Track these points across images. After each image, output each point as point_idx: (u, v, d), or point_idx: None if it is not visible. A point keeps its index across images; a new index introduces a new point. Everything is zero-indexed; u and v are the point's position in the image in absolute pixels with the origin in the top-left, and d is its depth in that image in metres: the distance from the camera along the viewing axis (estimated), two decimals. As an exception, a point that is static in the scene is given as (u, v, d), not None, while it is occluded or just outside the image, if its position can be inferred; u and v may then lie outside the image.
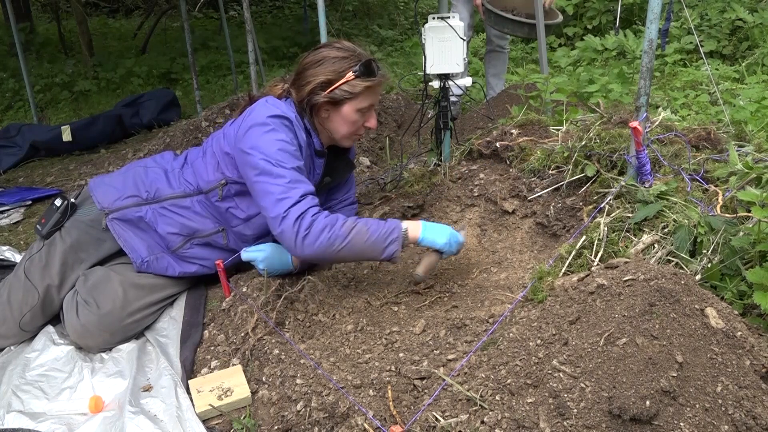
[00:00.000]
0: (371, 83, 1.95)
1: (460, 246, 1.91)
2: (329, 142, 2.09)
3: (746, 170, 1.81)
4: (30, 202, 3.34)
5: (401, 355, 1.61)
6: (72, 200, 2.05)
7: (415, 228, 1.85)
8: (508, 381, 1.36)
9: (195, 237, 2.06)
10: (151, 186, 2.05)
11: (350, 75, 1.92)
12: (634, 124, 1.75)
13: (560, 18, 3.48)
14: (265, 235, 2.08)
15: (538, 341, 1.43)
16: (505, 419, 1.29)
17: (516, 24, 3.32)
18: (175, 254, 2.06)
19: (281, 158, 1.80)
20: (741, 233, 1.61)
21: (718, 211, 1.72)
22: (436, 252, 1.89)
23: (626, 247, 1.75)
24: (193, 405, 1.63)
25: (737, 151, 1.95)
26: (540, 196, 2.19)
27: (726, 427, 1.20)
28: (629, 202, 1.88)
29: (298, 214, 1.72)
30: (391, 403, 1.43)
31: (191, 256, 2.07)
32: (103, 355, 1.90)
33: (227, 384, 1.67)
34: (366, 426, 1.40)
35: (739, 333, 1.32)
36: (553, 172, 2.22)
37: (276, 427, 1.53)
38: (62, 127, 4.30)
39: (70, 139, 4.29)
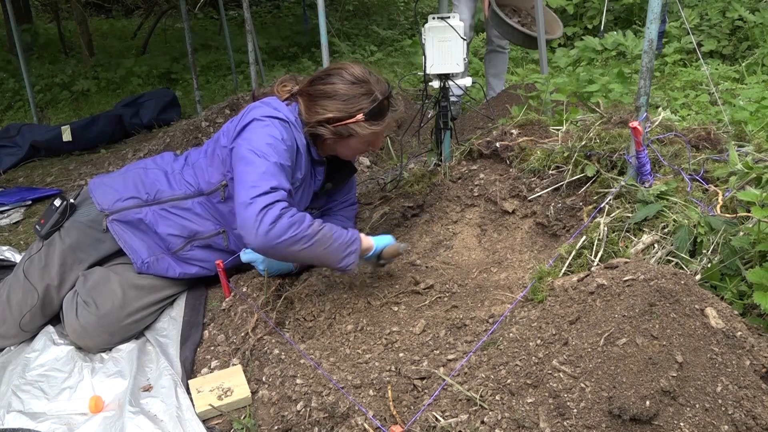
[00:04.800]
0: (379, 129, 1.93)
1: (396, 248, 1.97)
2: (331, 153, 2.07)
3: (746, 170, 1.81)
4: (30, 202, 3.34)
5: (401, 355, 1.61)
6: (71, 201, 2.05)
7: (366, 240, 1.88)
8: (508, 381, 1.36)
9: (195, 239, 2.06)
10: (151, 187, 2.04)
11: (360, 117, 1.88)
12: (634, 124, 1.75)
13: (560, 33, 3.49)
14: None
15: (538, 341, 1.43)
16: (505, 419, 1.29)
17: (514, 31, 3.32)
18: (176, 256, 2.06)
19: (266, 151, 1.76)
20: (741, 233, 1.61)
21: (718, 211, 1.72)
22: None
23: (626, 247, 1.75)
24: (193, 405, 1.63)
25: (737, 151, 1.95)
26: (540, 196, 2.19)
27: (726, 427, 1.20)
28: (629, 202, 1.88)
29: (265, 204, 1.65)
30: (391, 403, 1.43)
31: (191, 258, 2.07)
32: (103, 355, 1.90)
33: (227, 384, 1.67)
34: (366, 426, 1.40)
35: (739, 333, 1.32)
36: (553, 172, 2.21)
37: (276, 427, 1.53)
38: (62, 127, 4.30)
39: (70, 139, 4.29)
